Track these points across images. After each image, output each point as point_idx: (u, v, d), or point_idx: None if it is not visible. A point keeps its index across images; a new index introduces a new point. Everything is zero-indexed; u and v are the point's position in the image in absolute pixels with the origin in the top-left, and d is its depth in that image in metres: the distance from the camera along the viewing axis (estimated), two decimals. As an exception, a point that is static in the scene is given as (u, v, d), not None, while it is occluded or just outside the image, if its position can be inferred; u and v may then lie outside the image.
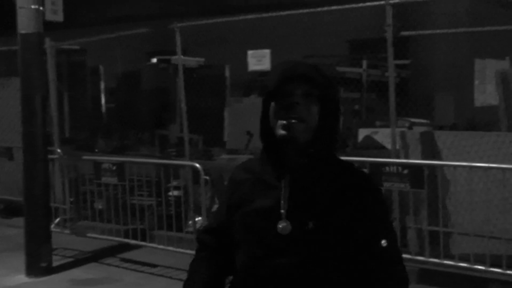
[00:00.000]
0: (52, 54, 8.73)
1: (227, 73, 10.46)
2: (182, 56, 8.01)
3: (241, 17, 7.61)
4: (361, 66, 9.87)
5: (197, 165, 7.00)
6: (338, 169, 1.92)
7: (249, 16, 7.66)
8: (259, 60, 7.20)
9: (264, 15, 7.96)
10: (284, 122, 1.83)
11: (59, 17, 7.22)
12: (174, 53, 8.44)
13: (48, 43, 8.44)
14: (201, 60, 10.48)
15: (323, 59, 10.92)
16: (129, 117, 10.05)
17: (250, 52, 7.33)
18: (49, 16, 7.04)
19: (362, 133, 8.09)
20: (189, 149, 7.60)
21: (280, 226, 1.82)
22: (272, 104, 1.88)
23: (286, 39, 10.12)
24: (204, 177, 6.95)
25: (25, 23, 6.67)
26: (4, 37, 12.85)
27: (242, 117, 8.75)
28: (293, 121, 1.82)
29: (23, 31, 6.69)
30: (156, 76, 11.17)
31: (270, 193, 1.88)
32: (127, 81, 11.52)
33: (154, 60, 10.45)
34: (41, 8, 6.74)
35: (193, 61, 10.00)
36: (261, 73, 9.04)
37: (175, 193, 7.42)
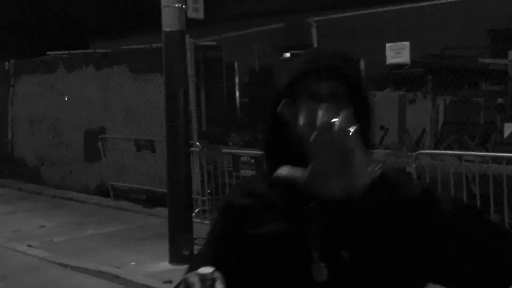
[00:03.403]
0: (191, 51, 9.04)
1: (362, 66, 10.31)
2: (317, 50, 7.99)
3: (377, 9, 7.48)
4: (506, 57, 9.39)
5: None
6: (382, 186, 1.26)
7: (385, 8, 7.53)
8: (398, 53, 7.02)
9: (401, 6, 7.79)
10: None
11: (200, 15, 7.44)
12: (306, 47, 8.45)
13: (188, 40, 8.74)
14: (334, 53, 10.38)
15: (464, 51, 10.52)
16: (262, 112, 10.16)
17: (388, 45, 7.15)
18: (191, 14, 7.27)
19: (508, 128, 7.70)
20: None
21: (315, 270, 1.32)
22: (289, 108, 1.40)
23: (423, 31, 9.83)
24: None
25: (169, 21, 6.87)
26: (144, 35, 13.49)
27: (376, 112, 8.58)
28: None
29: (167, 29, 6.89)
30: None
31: (290, 227, 1.38)
32: (261, 76, 11.68)
33: (288, 54, 10.52)
34: (183, 6, 6.93)
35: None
36: (396, 67, 8.84)
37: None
